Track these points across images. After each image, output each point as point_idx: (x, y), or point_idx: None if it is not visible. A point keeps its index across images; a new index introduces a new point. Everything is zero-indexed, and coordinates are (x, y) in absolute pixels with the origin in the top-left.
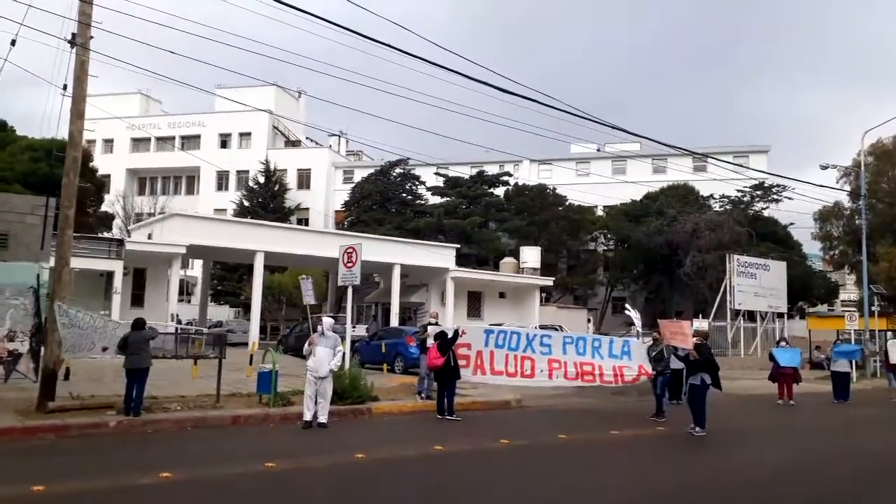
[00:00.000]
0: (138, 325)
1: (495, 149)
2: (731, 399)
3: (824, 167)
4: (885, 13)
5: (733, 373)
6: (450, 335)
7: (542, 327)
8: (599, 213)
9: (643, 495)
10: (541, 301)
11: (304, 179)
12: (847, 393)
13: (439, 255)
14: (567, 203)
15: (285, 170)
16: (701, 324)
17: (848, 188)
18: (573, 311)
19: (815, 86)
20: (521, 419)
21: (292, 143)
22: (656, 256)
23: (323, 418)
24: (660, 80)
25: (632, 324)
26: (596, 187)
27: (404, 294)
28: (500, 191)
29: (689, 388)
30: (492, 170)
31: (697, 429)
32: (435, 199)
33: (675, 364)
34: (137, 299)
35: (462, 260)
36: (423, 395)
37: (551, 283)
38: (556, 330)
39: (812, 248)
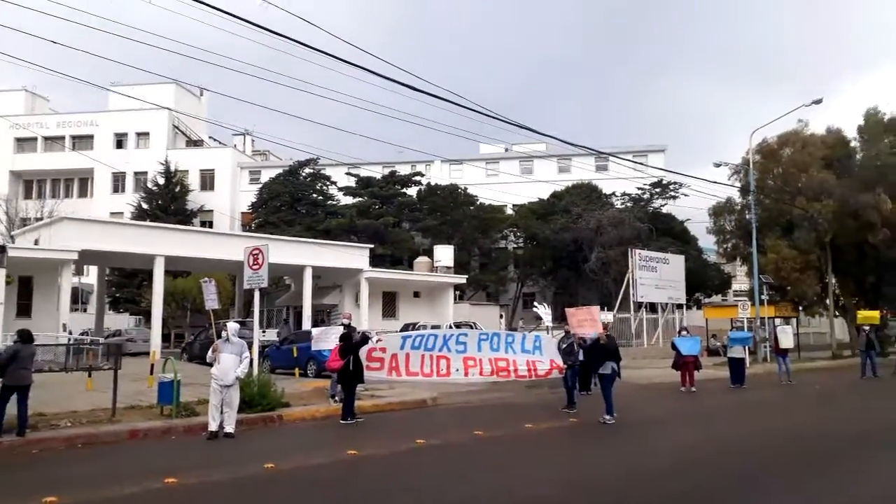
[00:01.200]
0: (27, 337)
1: (407, 147)
2: (637, 388)
3: (717, 165)
4: (777, 20)
5: (638, 362)
6: (356, 338)
7: (456, 325)
8: (509, 211)
9: (556, 490)
10: (455, 299)
11: (207, 180)
12: (743, 377)
13: (352, 256)
14: (478, 202)
15: (187, 170)
16: (606, 316)
17: (738, 185)
18: (486, 307)
19: (709, 87)
20: (438, 418)
21: (194, 143)
22: (563, 253)
23: (230, 428)
24: (562, 82)
25: (541, 319)
26: (505, 186)
27: (317, 296)
28: (412, 191)
29: (599, 377)
30: (404, 170)
31: (608, 417)
32: (347, 200)
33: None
34: (24, 309)
35: (376, 260)
36: (336, 398)
37: (464, 281)
38: (471, 327)
39: (707, 241)
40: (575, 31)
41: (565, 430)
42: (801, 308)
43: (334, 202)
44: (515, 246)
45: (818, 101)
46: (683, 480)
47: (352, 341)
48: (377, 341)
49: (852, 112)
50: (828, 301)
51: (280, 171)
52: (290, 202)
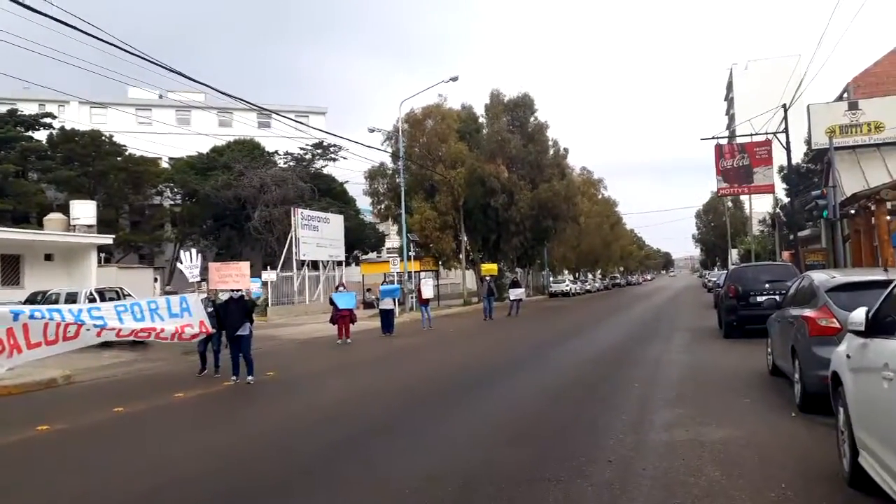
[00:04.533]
0: None
1: (34, 83)
2: (297, 343)
3: (371, 130)
4: (424, 7)
5: (300, 318)
6: None
7: (99, 292)
8: (165, 164)
9: (201, 465)
10: (100, 262)
11: None
12: (392, 326)
13: None
14: (127, 153)
15: None
16: (269, 275)
17: (390, 150)
18: (138, 271)
19: (365, 57)
20: (71, 397)
21: None
22: (226, 211)
23: None
24: (226, 34)
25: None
26: (159, 137)
27: None
28: (41, 135)
29: (237, 339)
30: (29, 109)
31: (250, 378)
32: None
33: None
34: None
35: None
36: None
37: (111, 242)
38: (118, 294)
39: (364, 202)
40: None
41: (215, 397)
42: (440, 262)
43: None
44: (172, 203)
45: (454, 79)
46: (337, 427)
47: None
48: None
49: (482, 91)
50: (461, 256)
51: None
52: None
